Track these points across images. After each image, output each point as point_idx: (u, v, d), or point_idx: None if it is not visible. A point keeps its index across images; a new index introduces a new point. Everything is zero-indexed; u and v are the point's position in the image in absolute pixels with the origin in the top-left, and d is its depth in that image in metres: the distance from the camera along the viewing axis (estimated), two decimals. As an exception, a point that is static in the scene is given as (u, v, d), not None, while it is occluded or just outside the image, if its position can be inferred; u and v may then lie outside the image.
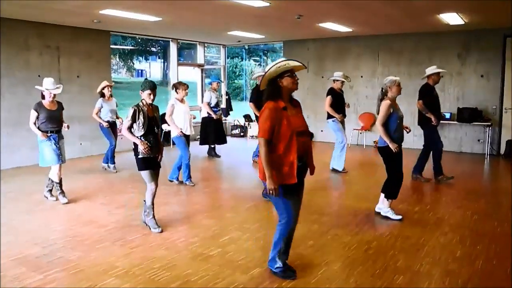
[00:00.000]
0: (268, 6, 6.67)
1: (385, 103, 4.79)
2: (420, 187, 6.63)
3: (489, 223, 4.88)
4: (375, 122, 10.57)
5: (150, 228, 4.59)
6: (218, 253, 4.01)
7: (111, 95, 7.53)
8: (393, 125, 4.78)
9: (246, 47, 23.34)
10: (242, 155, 9.48)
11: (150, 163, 4.54)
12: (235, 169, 8.45)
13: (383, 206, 5.06)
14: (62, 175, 5.75)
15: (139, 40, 23.67)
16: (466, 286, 3.38)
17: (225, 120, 12.05)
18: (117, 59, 24.82)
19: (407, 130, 5.29)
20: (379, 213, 5.11)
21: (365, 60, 10.84)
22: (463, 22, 8.18)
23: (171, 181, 6.70)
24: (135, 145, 4.49)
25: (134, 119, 4.44)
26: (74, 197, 5.87)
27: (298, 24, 8.66)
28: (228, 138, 9.65)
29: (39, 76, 7.84)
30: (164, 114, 6.40)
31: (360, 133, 10.90)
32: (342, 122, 7.46)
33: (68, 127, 5.79)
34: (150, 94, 4.49)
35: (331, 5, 6.82)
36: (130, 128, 4.48)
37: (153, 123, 4.55)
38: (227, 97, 12.91)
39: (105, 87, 7.42)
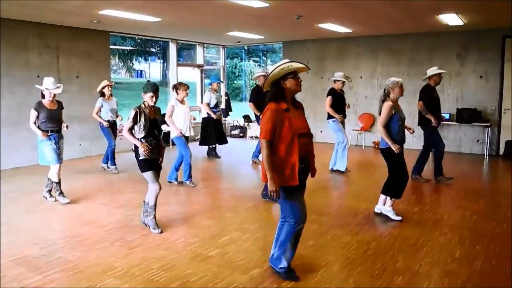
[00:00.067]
0: (268, 6, 6.67)
1: (387, 104, 4.79)
2: (420, 187, 6.63)
3: (488, 224, 4.88)
4: (375, 123, 10.73)
5: (149, 229, 4.59)
6: (218, 254, 4.01)
7: (111, 95, 7.54)
8: (395, 126, 4.78)
9: (246, 48, 23.31)
10: (241, 156, 9.48)
11: (151, 164, 4.54)
12: (234, 169, 8.45)
13: (384, 206, 5.07)
14: (62, 175, 5.75)
15: (139, 41, 23.62)
16: (465, 286, 3.38)
17: (225, 120, 12.05)
18: (117, 60, 24.78)
19: (411, 131, 5.30)
20: (378, 214, 5.13)
21: (365, 60, 10.84)
22: (462, 23, 8.20)
23: (170, 182, 6.71)
24: (136, 147, 4.48)
25: (135, 121, 4.44)
26: (74, 197, 5.87)
27: (297, 25, 8.66)
28: (228, 139, 9.67)
29: (38, 76, 7.84)
30: (164, 115, 6.40)
31: (360, 133, 10.90)
32: (342, 123, 7.46)
33: (67, 127, 5.79)
34: (152, 97, 4.48)
35: (331, 5, 6.82)
36: (131, 130, 4.48)
37: (154, 125, 4.55)
38: (226, 97, 12.90)
39: (105, 86, 7.43)
